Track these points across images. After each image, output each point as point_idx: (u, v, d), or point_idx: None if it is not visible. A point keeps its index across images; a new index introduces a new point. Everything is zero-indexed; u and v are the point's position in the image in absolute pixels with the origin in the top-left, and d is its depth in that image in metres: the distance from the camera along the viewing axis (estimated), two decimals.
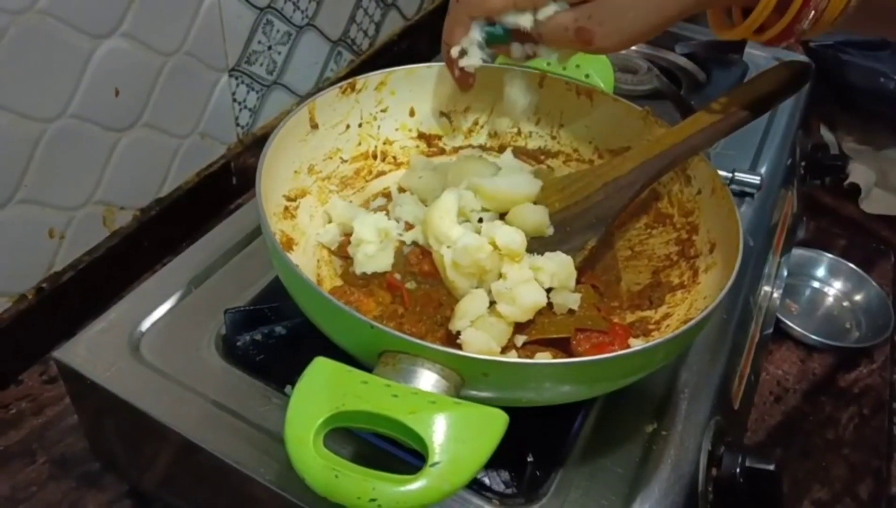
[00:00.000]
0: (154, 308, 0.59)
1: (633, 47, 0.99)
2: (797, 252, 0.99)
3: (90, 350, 0.55)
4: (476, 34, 0.54)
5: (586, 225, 0.57)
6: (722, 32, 0.51)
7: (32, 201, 0.68)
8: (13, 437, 0.68)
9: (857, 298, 0.97)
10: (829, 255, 1.01)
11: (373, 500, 0.34)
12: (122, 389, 0.53)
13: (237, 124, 0.89)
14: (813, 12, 0.43)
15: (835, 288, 0.99)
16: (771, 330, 0.83)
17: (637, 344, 0.51)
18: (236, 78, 0.85)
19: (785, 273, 0.88)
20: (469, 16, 0.53)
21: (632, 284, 0.59)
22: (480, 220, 0.56)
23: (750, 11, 0.47)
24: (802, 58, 1.05)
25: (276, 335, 0.57)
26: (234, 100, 0.87)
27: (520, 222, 0.55)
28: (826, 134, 1.22)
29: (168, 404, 0.53)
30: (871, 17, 0.45)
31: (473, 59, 0.56)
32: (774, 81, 0.59)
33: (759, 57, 0.99)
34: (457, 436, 0.37)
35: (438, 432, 0.37)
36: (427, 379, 0.40)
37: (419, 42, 1.17)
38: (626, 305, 0.57)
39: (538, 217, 0.55)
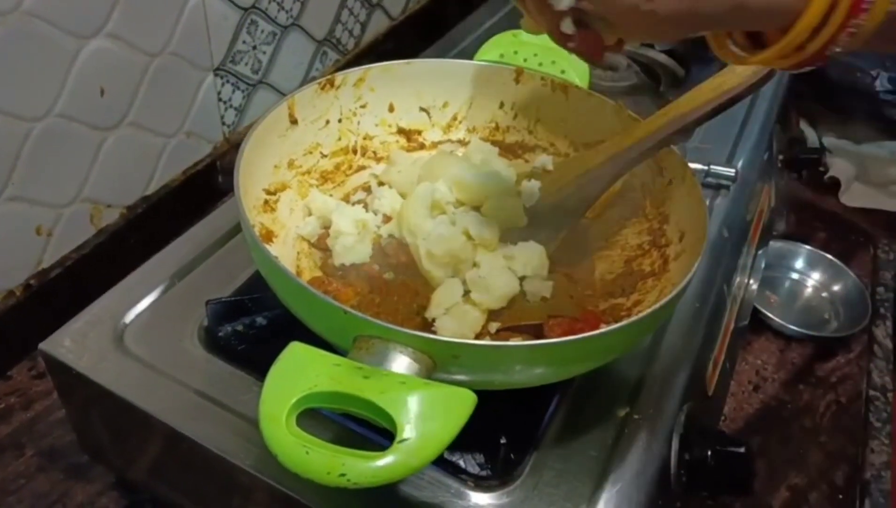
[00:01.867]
0: (138, 301, 0.60)
1: None
2: (776, 244, 1.00)
3: (75, 342, 0.57)
4: None
5: (559, 216, 0.58)
6: (732, 59, 0.42)
7: (20, 199, 0.69)
8: (2, 431, 0.70)
9: (836, 289, 0.99)
10: (808, 247, 1.02)
11: (342, 475, 0.36)
12: (106, 379, 0.54)
13: (223, 123, 0.90)
14: (854, 29, 0.35)
15: (813, 279, 1.01)
16: (747, 321, 0.85)
17: None
18: (221, 77, 0.87)
19: (763, 265, 0.89)
20: None
21: (605, 273, 0.61)
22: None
23: (759, 37, 0.39)
24: None
25: (257, 326, 0.58)
26: (220, 99, 0.88)
27: (494, 213, 0.56)
28: (806, 129, 1.24)
29: (152, 394, 0.54)
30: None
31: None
32: (742, 75, 0.60)
33: None
34: (425, 414, 0.38)
35: (407, 410, 0.38)
36: (399, 363, 0.42)
37: (405, 42, 1.18)
38: (600, 293, 0.59)
39: (512, 208, 0.57)
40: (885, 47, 0.37)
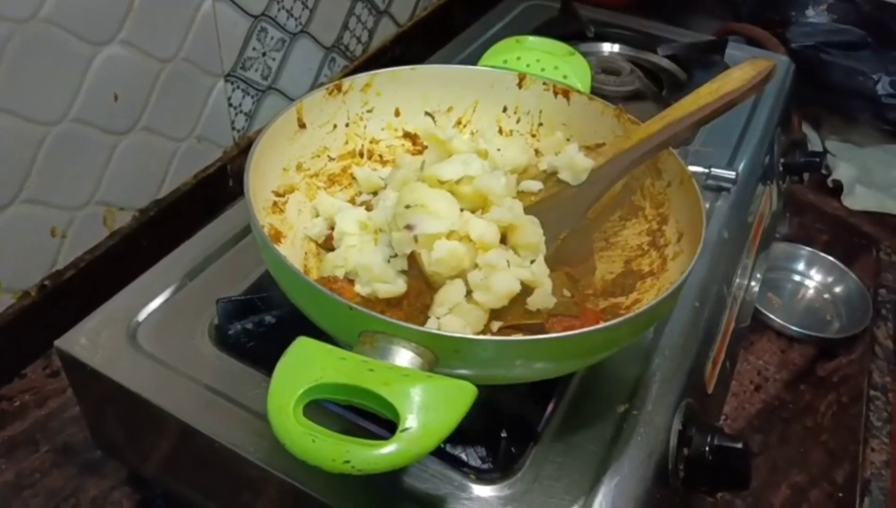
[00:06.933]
0: (151, 300, 0.62)
1: (616, 49, 1.03)
2: (778, 246, 1.01)
3: (90, 339, 0.58)
4: None
5: (560, 217, 0.59)
6: None
7: (35, 202, 0.71)
8: (18, 427, 0.71)
9: (838, 290, 1.00)
10: (809, 249, 1.03)
11: (347, 462, 0.37)
12: (120, 376, 0.56)
13: (233, 128, 0.92)
14: None
15: (815, 281, 1.02)
16: (748, 322, 0.86)
17: None
18: (232, 83, 0.89)
19: (764, 267, 0.90)
20: None
21: (606, 273, 0.62)
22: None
23: None
24: (782, 58, 1.07)
25: (266, 324, 0.59)
26: (230, 104, 0.90)
27: (494, 214, 0.58)
28: (809, 132, 1.25)
29: (164, 389, 0.55)
30: None
31: None
32: (740, 79, 0.61)
33: (739, 57, 1.01)
34: (427, 405, 0.39)
35: (410, 401, 0.39)
36: (402, 357, 0.43)
37: (412, 48, 1.20)
38: (600, 292, 0.60)
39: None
40: None
